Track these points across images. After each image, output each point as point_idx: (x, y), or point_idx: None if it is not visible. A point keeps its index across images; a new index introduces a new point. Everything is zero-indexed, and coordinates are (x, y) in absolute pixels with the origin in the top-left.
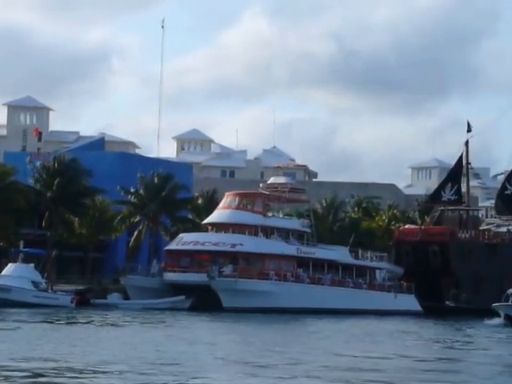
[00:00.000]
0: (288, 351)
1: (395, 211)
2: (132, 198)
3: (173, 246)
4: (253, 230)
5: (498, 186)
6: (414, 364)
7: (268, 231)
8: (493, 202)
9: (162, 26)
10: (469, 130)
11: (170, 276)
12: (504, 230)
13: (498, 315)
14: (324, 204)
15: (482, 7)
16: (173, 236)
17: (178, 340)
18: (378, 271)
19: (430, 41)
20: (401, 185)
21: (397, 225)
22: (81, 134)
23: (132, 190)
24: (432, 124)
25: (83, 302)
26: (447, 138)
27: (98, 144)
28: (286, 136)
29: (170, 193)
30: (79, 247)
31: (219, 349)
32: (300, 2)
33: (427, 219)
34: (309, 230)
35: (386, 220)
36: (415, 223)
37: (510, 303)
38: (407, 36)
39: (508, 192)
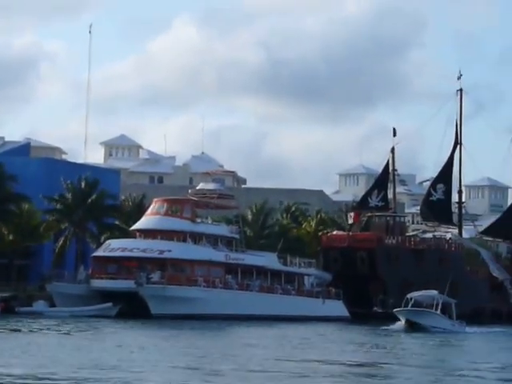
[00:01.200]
0: (225, 358)
1: (323, 216)
2: (58, 205)
3: (100, 252)
4: (181, 236)
5: (424, 192)
6: (345, 369)
7: (196, 237)
8: (419, 208)
9: (90, 32)
10: (394, 135)
11: (97, 283)
12: (430, 235)
13: (400, 320)
14: (254, 210)
15: (409, 18)
16: (100, 243)
17: (107, 347)
18: (306, 277)
19: (358, 50)
20: (329, 191)
21: (325, 231)
22: (6, 139)
23: (57, 196)
24: (359, 132)
25: (8, 309)
26: (374, 146)
27: (24, 149)
28: (215, 142)
29: (97, 199)
30: (4, 254)
31: (153, 356)
32: (229, 10)
33: (350, 218)
34: (237, 236)
35: (314, 226)
36: (343, 229)
37: (410, 308)
38: (335, 45)
39: (433, 198)
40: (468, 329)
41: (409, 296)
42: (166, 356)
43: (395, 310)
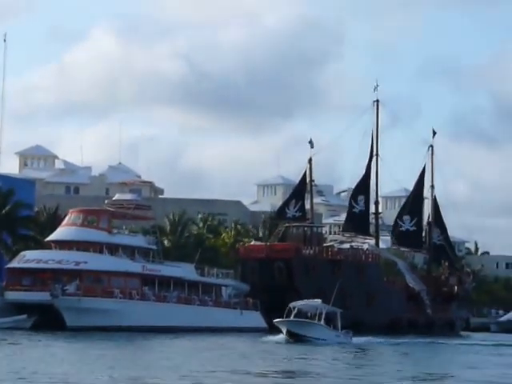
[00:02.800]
0: (151, 369)
1: (239, 228)
2: None
3: (15, 264)
4: (97, 247)
5: (342, 203)
6: (261, 380)
7: (113, 248)
8: (336, 218)
9: (4, 40)
10: (312, 146)
11: (12, 295)
12: (347, 246)
13: (281, 331)
14: (171, 220)
15: (329, 31)
16: (14, 254)
17: (24, 359)
18: (223, 288)
19: (278, 62)
20: (247, 202)
21: (242, 241)
22: None
23: None
24: (278, 142)
25: None
26: (292, 156)
27: None
28: (132, 153)
29: (11, 209)
30: None
31: (75, 368)
32: (150, 21)
33: (261, 231)
34: (154, 247)
35: (231, 237)
36: (260, 240)
37: (291, 318)
38: (255, 57)
39: (355, 210)
40: (354, 339)
41: (291, 305)
42: (89, 368)
43: (275, 320)
